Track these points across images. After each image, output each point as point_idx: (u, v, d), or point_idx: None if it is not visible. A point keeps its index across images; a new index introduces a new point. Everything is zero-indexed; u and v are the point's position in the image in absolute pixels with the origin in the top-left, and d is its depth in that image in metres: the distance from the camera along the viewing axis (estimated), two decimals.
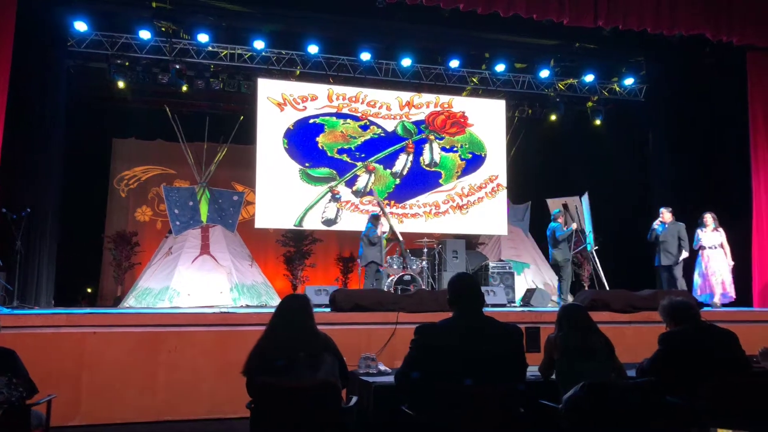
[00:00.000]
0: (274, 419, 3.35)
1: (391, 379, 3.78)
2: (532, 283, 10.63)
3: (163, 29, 9.19)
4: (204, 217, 10.27)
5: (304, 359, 3.50)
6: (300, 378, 3.39)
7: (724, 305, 8.37)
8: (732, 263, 8.57)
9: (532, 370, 3.83)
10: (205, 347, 5.39)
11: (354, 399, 3.73)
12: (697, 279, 8.72)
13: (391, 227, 9.34)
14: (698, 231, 8.71)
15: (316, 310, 6.77)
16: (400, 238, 9.31)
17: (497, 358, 3.08)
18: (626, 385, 3.26)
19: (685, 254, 8.71)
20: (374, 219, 9.01)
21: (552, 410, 3.35)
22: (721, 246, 8.57)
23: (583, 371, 3.34)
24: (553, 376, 3.60)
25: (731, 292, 8.46)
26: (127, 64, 9.47)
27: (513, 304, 9.72)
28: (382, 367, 4.01)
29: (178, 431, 5.07)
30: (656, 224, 8.90)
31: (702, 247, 8.64)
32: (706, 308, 7.91)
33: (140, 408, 5.15)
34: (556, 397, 3.43)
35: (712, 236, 8.61)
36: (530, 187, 12.28)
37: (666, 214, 8.92)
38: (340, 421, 3.38)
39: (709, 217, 8.69)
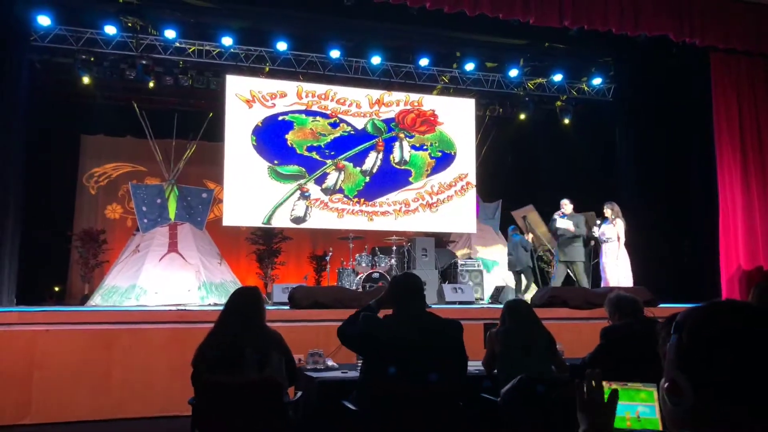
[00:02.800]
0: (216, 415, 3.35)
1: (336, 374, 3.80)
2: (501, 281, 10.70)
3: (130, 24, 9.09)
4: (172, 215, 10.18)
5: (250, 356, 3.49)
6: (244, 375, 3.39)
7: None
8: (624, 256, 8.29)
9: (477, 365, 3.86)
10: (159, 345, 5.36)
11: (299, 394, 3.73)
12: (602, 273, 8.49)
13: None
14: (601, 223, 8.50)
15: (280, 308, 6.78)
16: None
17: (435, 352, 3.11)
18: (562, 378, 3.30)
19: (568, 223, 8.48)
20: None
21: (493, 404, 3.38)
22: (618, 239, 8.29)
23: (524, 365, 3.38)
24: (496, 371, 3.63)
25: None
26: (92, 59, 9.35)
27: (481, 301, 9.80)
28: (330, 363, 4.01)
29: (132, 429, 5.04)
30: (557, 215, 8.69)
31: (601, 240, 8.42)
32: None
33: (93, 406, 5.11)
34: (498, 391, 3.46)
35: (607, 229, 8.35)
36: (501, 185, 12.37)
37: (566, 206, 8.69)
38: (283, 417, 3.39)
39: (606, 209, 8.42)
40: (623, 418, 1.36)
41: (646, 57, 9.92)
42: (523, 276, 9.77)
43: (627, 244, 8.45)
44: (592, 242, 8.57)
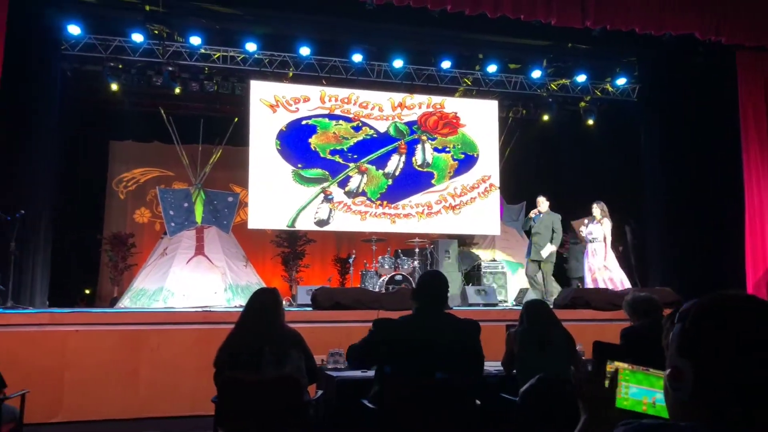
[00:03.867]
0: (237, 412, 3.42)
1: (356, 373, 3.85)
2: (525, 283, 10.66)
3: (156, 32, 9.27)
4: (199, 219, 10.35)
5: (270, 354, 3.57)
6: (263, 372, 3.46)
7: None
8: (611, 257, 8.13)
9: (497, 365, 3.89)
10: (186, 345, 5.47)
11: (319, 393, 3.80)
12: (586, 274, 8.33)
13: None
14: (584, 221, 8.36)
15: (304, 309, 6.86)
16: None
17: (453, 352, 3.14)
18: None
19: (552, 248, 8.32)
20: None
21: (511, 403, 3.40)
22: (604, 239, 8.14)
23: (542, 365, 3.39)
24: (515, 371, 3.65)
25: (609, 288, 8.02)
26: (120, 66, 9.58)
27: (505, 303, 9.77)
28: None
29: (160, 428, 5.15)
30: (533, 213, 8.53)
31: (587, 240, 8.28)
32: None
33: (122, 405, 5.24)
34: (517, 391, 3.48)
35: (594, 228, 8.21)
36: (525, 187, 12.30)
37: (542, 203, 8.48)
38: (303, 414, 3.45)
39: (595, 208, 8.25)
40: (640, 402, 1.39)
41: (671, 56, 9.81)
42: (579, 284, 9.59)
43: (654, 245, 8.40)
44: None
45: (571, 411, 3.07)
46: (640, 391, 1.39)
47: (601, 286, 7.90)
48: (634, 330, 3.67)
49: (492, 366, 3.77)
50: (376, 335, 3.18)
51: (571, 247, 9.74)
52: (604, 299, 6.37)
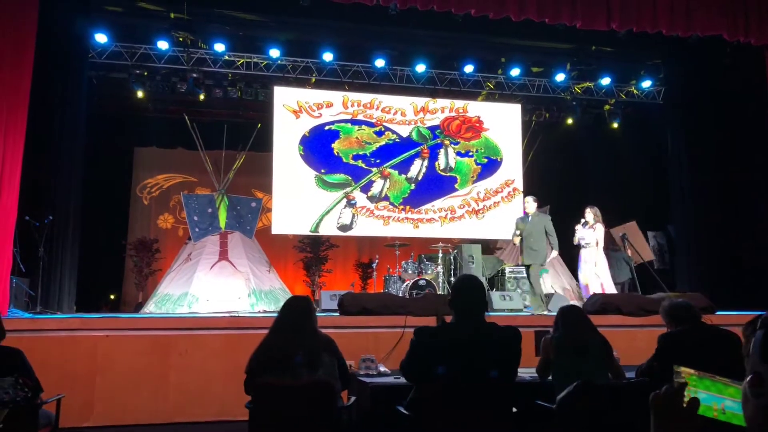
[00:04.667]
0: (271, 417, 3.41)
1: (389, 380, 3.82)
2: (550, 288, 10.54)
3: (181, 39, 9.37)
4: (223, 224, 10.39)
5: (303, 359, 3.55)
6: (297, 377, 3.45)
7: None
8: (603, 261, 7.93)
9: (530, 371, 3.83)
10: (215, 350, 5.48)
11: (353, 399, 3.77)
12: (581, 279, 8.10)
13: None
14: (578, 227, 8.13)
15: (328, 314, 6.86)
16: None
17: (494, 362, 3.09)
18: (620, 385, 3.24)
19: (554, 253, 8.09)
20: None
21: (548, 411, 3.35)
22: (596, 244, 7.94)
23: (579, 372, 3.33)
24: (550, 377, 3.60)
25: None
26: (146, 74, 9.69)
27: (529, 309, 9.67)
28: (382, 369, 4.05)
29: None
30: (522, 216, 8.35)
31: (579, 245, 8.07)
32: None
33: (152, 410, 5.26)
34: (553, 398, 3.43)
35: (587, 233, 8.00)
36: (549, 191, 12.19)
37: (529, 204, 8.20)
38: (336, 420, 3.43)
39: (588, 212, 8.05)
40: (710, 408, 1.35)
41: (697, 58, 9.69)
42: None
43: (682, 250, 8.25)
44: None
45: (612, 418, 3.02)
46: (709, 397, 1.36)
47: (594, 290, 7.75)
48: (672, 335, 3.60)
49: (526, 372, 3.72)
50: (419, 345, 3.14)
51: (612, 254, 9.56)
52: (636, 304, 6.27)
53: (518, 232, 8.08)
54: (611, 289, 8.02)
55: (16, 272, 7.15)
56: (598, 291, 7.82)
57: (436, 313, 5.85)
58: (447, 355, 3.08)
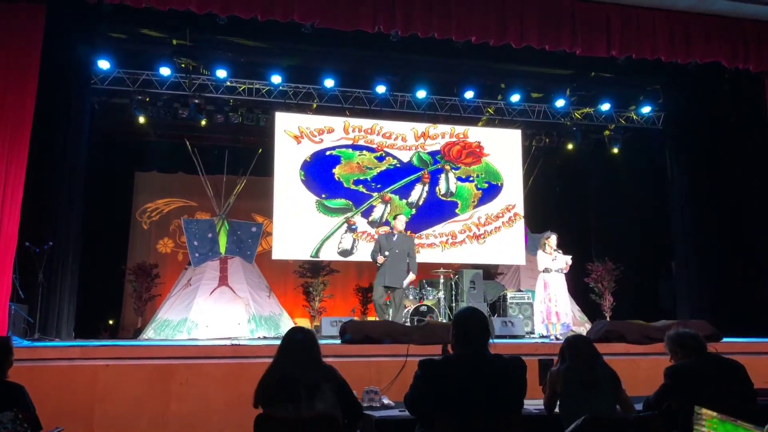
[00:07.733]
0: None
1: (394, 413, 3.76)
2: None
3: (183, 65, 9.43)
4: (223, 249, 10.37)
5: (305, 391, 3.50)
6: (299, 410, 3.39)
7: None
8: (563, 289, 7.83)
9: (538, 404, 3.78)
10: (216, 379, 5.41)
11: None
12: (539, 306, 7.98)
13: None
14: (539, 252, 8.02)
15: (331, 342, 6.79)
16: None
17: (499, 394, 3.04)
18: (629, 418, 3.19)
19: (412, 277, 7.96)
20: None
21: None
22: (562, 271, 7.84)
23: (587, 404, 3.28)
24: (557, 410, 3.54)
25: (569, 322, 7.79)
26: (148, 99, 9.72)
27: (532, 335, 9.60)
28: (386, 401, 3.98)
29: None
30: (385, 233, 8.26)
31: (542, 271, 7.93)
32: (543, 340, 7.36)
33: None
34: (561, 431, 3.37)
35: (546, 259, 7.90)
36: (549, 215, 12.20)
37: (399, 222, 8.11)
38: None
39: (552, 238, 7.96)
40: None
41: (697, 84, 9.75)
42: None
43: (683, 277, 8.20)
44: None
45: None
46: None
47: (555, 320, 7.65)
48: (680, 368, 3.54)
49: (531, 405, 3.66)
50: (423, 378, 3.09)
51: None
52: (639, 332, 6.21)
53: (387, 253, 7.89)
54: (568, 318, 7.90)
55: (15, 298, 7.09)
56: (560, 320, 7.71)
57: (442, 341, 5.79)
58: (453, 388, 3.03)
